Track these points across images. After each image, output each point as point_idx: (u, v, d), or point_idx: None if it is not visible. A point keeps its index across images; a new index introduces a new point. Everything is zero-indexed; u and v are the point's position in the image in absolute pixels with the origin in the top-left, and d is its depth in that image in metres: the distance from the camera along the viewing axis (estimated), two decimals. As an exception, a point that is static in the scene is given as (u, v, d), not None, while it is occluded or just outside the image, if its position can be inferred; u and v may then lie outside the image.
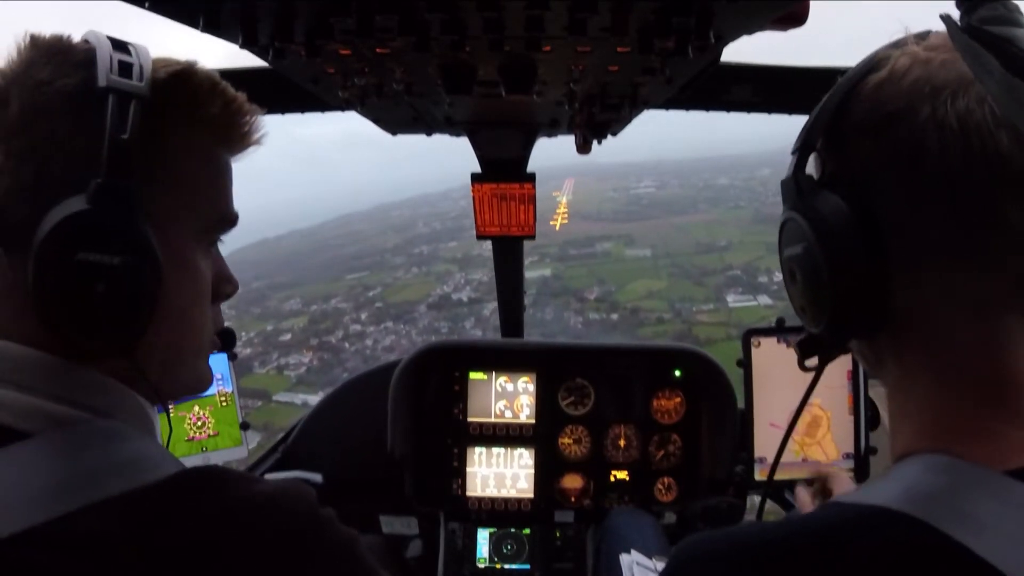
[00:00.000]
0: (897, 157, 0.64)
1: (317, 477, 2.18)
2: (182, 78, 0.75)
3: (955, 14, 0.55)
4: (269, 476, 2.17)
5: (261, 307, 33.81)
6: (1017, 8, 0.53)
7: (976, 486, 0.60)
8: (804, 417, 1.89)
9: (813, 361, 0.77)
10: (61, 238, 0.64)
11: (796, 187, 0.72)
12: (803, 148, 0.73)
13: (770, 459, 1.85)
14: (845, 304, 0.67)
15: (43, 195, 0.66)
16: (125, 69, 0.69)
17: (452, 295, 33.54)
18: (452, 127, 1.77)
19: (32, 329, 0.68)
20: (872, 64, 0.69)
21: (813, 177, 0.73)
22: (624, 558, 1.68)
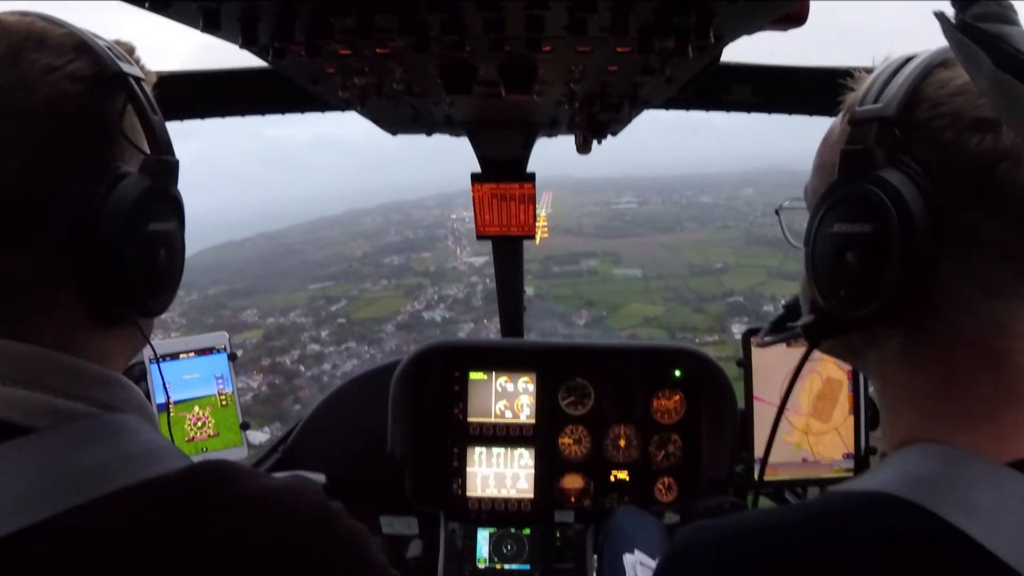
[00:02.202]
0: (991, 164, 0.63)
1: (321, 477, 2.17)
2: (135, 56, 0.78)
3: (950, 12, 0.55)
4: None
5: (214, 316, 30.71)
6: (1010, 6, 0.54)
7: (977, 475, 0.60)
8: (806, 400, 1.89)
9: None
10: (139, 212, 0.70)
11: (869, 160, 0.67)
12: (882, 120, 0.67)
13: (771, 459, 1.84)
14: (899, 292, 0.65)
15: (89, 176, 0.68)
16: (113, 52, 0.72)
17: (424, 314, 29.82)
18: (452, 127, 1.77)
19: (42, 323, 0.68)
20: None
21: (881, 151, 0.67)
22: (627, 558, 1.68)
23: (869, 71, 0.75)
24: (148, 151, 0.74)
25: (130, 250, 0.69)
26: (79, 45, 0.70)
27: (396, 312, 31.15)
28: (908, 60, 0.70)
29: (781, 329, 0.99)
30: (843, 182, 0.70)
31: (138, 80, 0.72)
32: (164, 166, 0.74)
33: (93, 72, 0.69)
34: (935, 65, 0.67)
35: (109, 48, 0.72)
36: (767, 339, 0.97)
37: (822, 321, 0.75)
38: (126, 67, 0.71)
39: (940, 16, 0.56)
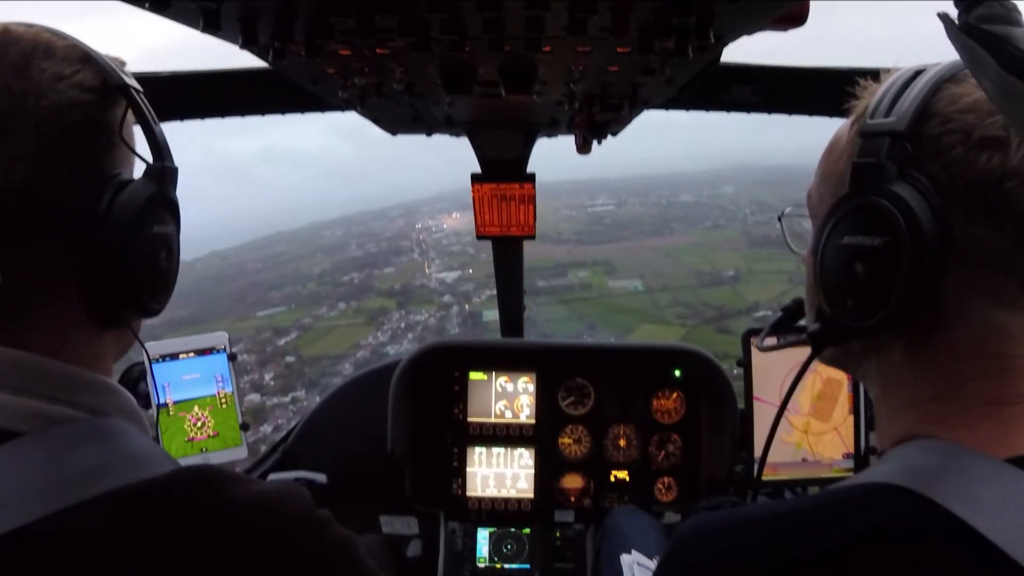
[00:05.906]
0: (998, 182, 0.63)
1: (322, 477, 2.17)
2: (126, 70, 0.80)
3: (953, 13, 0.55)
4: (272, 476, 2.17)
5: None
6: (1015, 7, 0.54)
7: (977, 468, 0.61)
8: (806, 400, 1.89)
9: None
10: (147, 216, 0.73)
11: (881, 174, 0.67)
12: (893, 134, 0.67)
13: (771, 459, 1.84)
14: (906, 303, 0.66)
15: (94, 181, 0.71)
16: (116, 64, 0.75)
17: (388, 348, 24.46)
18: (452, 127, 1.77)
19: (40, 326, 0.68)
20: None
21: (893, 165, 0.67)
22: (625, 558, 1.68)
23: (875, 75, 0.75)
24: (145, 158, 0.77)
25: (138, 252, 0.72)
26: (84, 56, 0.73)
27: (355, 346, 26.37)
28: (918, 73, 0.70)
29: (781, 333, 0.99)
30: (855, 195, 0.70)
31: (138, 91, 0.76)
32: (168, 172, 0.78)
33: (99, 82, 0.72)
34: (945, 80, 0.68)
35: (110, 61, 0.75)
36: (767, 344, 0.97)
37: (828, 328, 0.75)
38: (132, 81, 0.75)
39: (944, 17, 0.56)
